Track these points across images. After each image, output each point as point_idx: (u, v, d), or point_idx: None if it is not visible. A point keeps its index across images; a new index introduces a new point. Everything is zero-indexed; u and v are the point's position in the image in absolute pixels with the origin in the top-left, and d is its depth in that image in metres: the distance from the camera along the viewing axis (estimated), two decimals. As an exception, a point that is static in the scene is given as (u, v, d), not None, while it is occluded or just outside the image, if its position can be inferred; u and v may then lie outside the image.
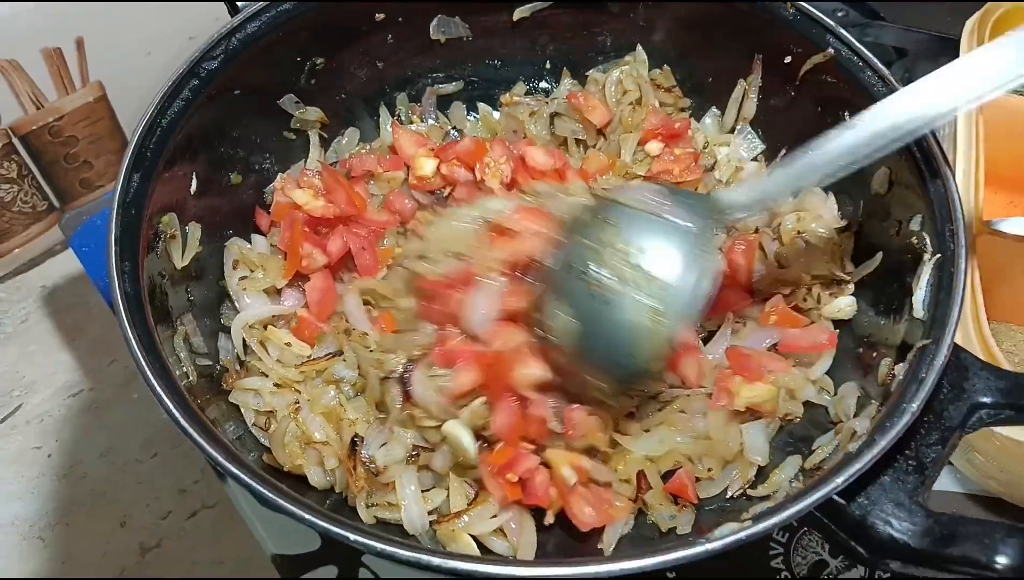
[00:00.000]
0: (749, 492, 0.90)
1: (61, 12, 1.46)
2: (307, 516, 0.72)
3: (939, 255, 0.89)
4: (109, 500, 1.53)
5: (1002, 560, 0.67)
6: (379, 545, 0.70)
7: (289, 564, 1.10)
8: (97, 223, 1.46)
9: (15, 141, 1.59)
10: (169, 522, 1.50)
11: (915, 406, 0.77)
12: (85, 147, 1.67)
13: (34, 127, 1.59)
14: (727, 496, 0.92)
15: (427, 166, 1.16)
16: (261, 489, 0.74)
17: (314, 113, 1.19)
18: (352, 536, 0.71)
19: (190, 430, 0.78)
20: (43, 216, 1.71)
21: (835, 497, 0.73)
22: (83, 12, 1.47)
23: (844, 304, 1.03)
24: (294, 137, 1.19)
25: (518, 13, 1.23)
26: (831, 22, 1.08)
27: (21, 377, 1.64)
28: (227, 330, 1.03)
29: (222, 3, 1.16)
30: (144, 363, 0.81)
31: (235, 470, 0.76)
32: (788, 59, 1.12)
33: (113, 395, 1.62)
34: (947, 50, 1.53)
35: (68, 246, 1.46)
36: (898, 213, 0.99)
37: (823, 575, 1.07)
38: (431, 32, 1.23)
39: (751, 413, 0.96)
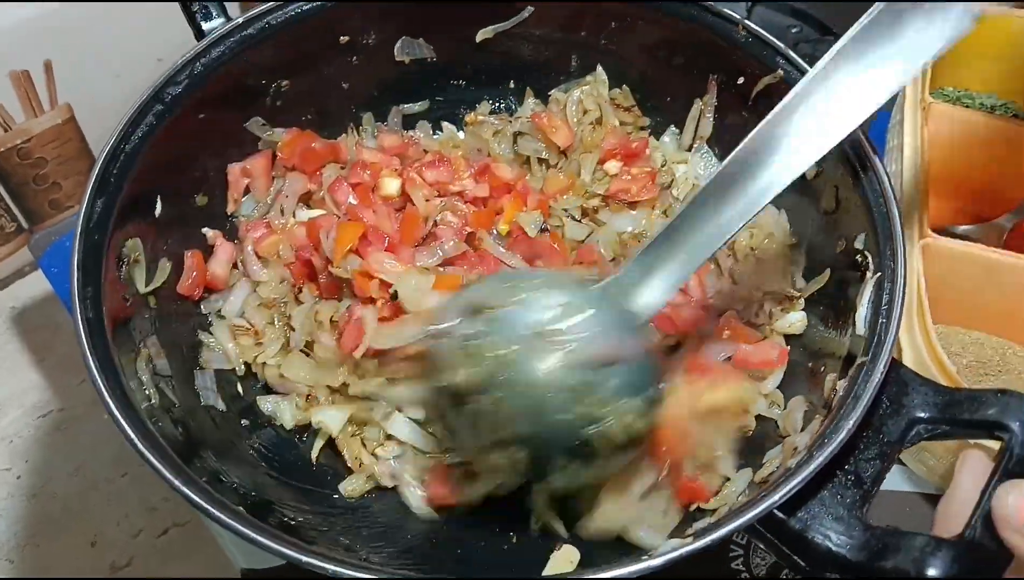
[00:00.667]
0: (701, 505, 0.92)
1: (29, 35, 1.47)
2: (271, 543, 0.74)
3: (879, 274, 0.91)
4: (79, 519, 1.53)
5: (932, 572, 0.69)
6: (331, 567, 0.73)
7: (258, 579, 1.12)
8: (66, 244, 1.46)
9: (-17, 162, 1.60)
10: (140, 540, 1.50)
11: (851, 423, 0.78)
12: (54, 168, 1.67)
13: (2, 149, 1.59)
14: (684, 507, 0.94)
15: (391, 185, 1.18)
16: (220, 515, 0.76)
17: (280, 134, 1.21)
18: (305, 559, 0.74)
19: (148, 455, 0.80)
20: (11, 237, 1.71)
21: (776, 512, 0.75)
22: (51, 35, 1.49)
23: (795, 319, 1.06)
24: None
25: (481, 35, 1.25)
26: (781, 44, 1.11)
27: (-10, 398, 1.64)
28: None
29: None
30: (104, 390, 0.83)
31: (189, 493, 0.78)
32: (741, 80, 1.15)
33: (83, 414, 1.62)
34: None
35: (37, 267, 1.46)
36: (844, 230, 1.01)
37: (781, 575, 1.10)
38: (396, 53, 1.25)
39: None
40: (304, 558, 0.74)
